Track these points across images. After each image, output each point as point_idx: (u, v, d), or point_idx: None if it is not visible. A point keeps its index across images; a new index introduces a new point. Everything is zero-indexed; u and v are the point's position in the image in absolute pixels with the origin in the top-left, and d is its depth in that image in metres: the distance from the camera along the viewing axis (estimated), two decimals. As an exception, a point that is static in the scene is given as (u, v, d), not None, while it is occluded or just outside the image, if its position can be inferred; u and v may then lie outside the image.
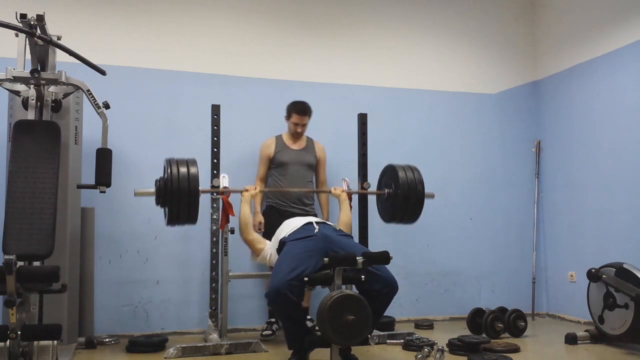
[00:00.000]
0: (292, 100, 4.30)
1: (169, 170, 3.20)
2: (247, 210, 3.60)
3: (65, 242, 3.54)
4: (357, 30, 4.93)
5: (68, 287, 3.04)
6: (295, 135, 4.29)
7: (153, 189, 3.25)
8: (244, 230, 3.56)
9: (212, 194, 3.74)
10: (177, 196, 3.16)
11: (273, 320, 4.18)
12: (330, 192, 3.88)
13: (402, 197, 3.63)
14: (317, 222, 3.44)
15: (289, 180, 4.22)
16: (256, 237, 3.60)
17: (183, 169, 3.20)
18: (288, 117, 4.27)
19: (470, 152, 5.11)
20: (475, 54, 5.23)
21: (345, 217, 3.74)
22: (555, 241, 5.03)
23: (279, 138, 4.33)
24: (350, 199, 4.04)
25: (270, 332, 4.11)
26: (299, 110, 4.23)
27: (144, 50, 4.39)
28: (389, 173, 3.80)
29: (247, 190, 3.68)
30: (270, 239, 3.62)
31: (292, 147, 4.29)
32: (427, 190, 3.69)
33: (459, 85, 5.15)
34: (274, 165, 4.27)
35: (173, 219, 3.26)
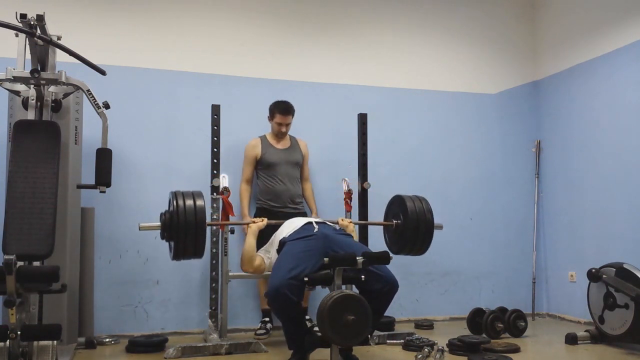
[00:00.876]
0: (274, 101, 4.29)
1: (174, 203, 3.12)
2: (253, 243, 3.50)
3: (65, 242, 3.53)
4: (358, 31, 4.93)
5: (68, 287, 3.04)
6: (280, 135, 4.30)
7: (158, 223, 3.17)
8: (246, 264, 3.49)
9: (212, 193, 3.74)
10: (184, 230, 3.07)
11: (267, 319, 4.19)
12: (337, 222, 3.71)
13: (412, 228, 3.61)
14: (317, 222, 3.45)
15: (279, 180, 4.23)
16: (257, 264, 3.49)
17: (189, 202, 3.12)
18: (271, 117, 4.28)
19: (470, 152, 5.11)
20: (475, 54, 5.23)
21: None
22: (555, 241, 5.02)
23: (263, 138, 4.33)
24: (350, 198, 4.05)
25: (264, 331, 4.12)
26: (282, 110, 4.23)
27: (144, 50, 4.39)
28: (397, 203, 3.77)
29: (254, 222, 3.60)
30: (264, 242, 3.62)
31: (278, 147, 4.30)
32: (436, 222, 3.68)
33: (459, 85, 5.15)
34: (262, 167, 4.28)
35: (179, 254, 3.16)
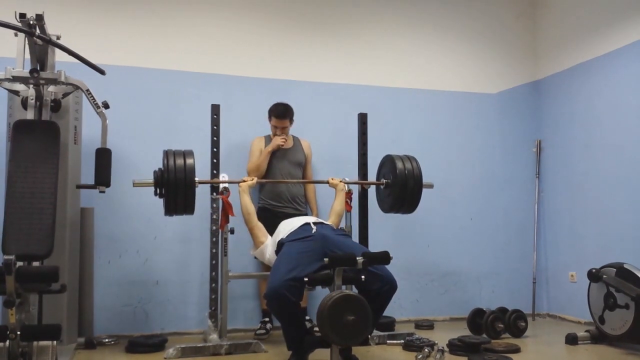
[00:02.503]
0: (274, 102, 4.29)
1: (166, 162, 3.30)
2: (247, 199, 3.63)
3: (65, 242, 3.53)
4: (358, 30, 4.93)
5: (68, 287, 3.04)
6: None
7: (151, 180, 3.32)
8: (247, 219, 3.60)
9: (211, 193, 3.73)
10: (174, 186, 3.26)
11: (267, 319, 4.19)
12: (327, 182, 3.89)
13: (400, 186, 3.71)
14: (314, 223, 3.44)
15: (280, 179, 4.23)
16: (260, 227, 3.60)
17: (180, 161, 3.31)
18: (269, 119, 4.28)
19: (470, 152, 5.10)
20: (475, 54, 5.23)
21: (338, 206, 3.79)
22: (555, 241, 5.02)
23: (267, 138, 4.34)
24: (350, 198, 4.04)
25: (264, 331, 4.12)
26: (277, 114, 4.22)
27: (144, 50, 4.38)
28: (387, 164, 3.87)
29: (244, 181, 3.71)
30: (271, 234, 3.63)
31: (281, 147, 4.30)
32: (425, 180, 3.77)
33: (459, 85, 5.15)
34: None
35: (170, 209, 3.35)
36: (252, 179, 3.74)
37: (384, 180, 3.88)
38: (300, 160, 4.36)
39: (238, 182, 3.72)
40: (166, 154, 3.36)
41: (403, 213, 3.90)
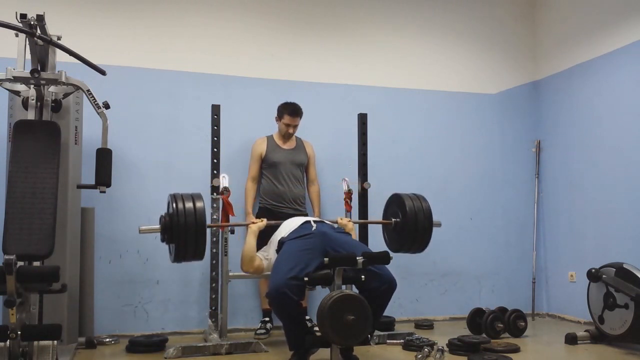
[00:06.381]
0: (283, 102, 4.31)
1: (173, 206, 3.11)
2: (253, 243, 3.52)
3: (65, 242, 3.54)
4: (358, 31, 4.93)
5: (68, 287, 3.04)
6: (286, 136, 4.32)
7: (158, 226, 3.16)
8: (246, 264, 3.50)
9: (212, 193, 3.74)
10: (184, 233, 3.06)
11: (267, 319, 4.20)
12: (336, 222, 3.72)
13: (410, 226, 3.62)
14: (314, 221, 3.45)
15: (282, 180, 4.24)
16: (256, 264, 3.51)
17: (189, 204, 3.10)
18: (279, 118, 4.29)
19: (470, 152, 5.11)
20: (475, 54, 5.23)
21: None
22: (555, 241, 5.02)
23: (270, 138, 4.35)
24: (350, 199, 4.05)
25: (264, 331, 4.12)
26: (291, 111, 4.25)
27: (144, 50, 4.39)
28: (396, 202, 3.78)
29: (254, 223, 3.62)
30: (266, 242, 3.63)
31: (283, 147, 4.31)
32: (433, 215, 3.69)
33: (459, 85, 5.15)
34: (266, 166, 4.29)
35: (180, 256, 3.15)
36: (262, 221, 3.64)
37: (393, 220, 3.75)
38: (302, 161, 4.36)
39: (247, 225, 3.67)
40: (173, 197, 3.16)
41: (412, 253, 3.81)
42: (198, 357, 3.47)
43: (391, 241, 3.86)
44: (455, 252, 4.94)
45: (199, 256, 3.18)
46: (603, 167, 4.52)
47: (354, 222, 3.82)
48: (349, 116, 4.41)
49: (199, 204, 3.12)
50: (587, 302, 3.93)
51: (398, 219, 3.73)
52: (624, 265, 3.68)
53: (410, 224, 3.63)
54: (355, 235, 3.74)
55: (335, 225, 3.58)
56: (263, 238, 3.65)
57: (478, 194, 5.08)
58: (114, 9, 4.36)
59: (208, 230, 3.35)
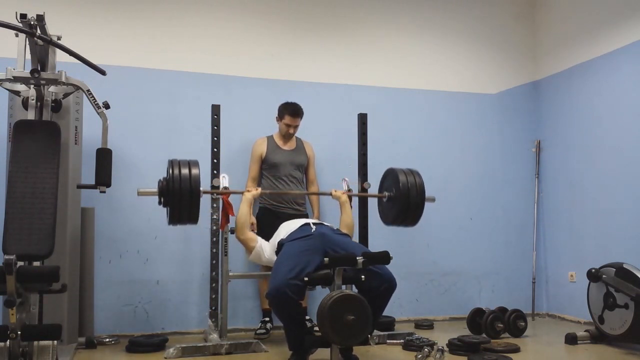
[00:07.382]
0: (284, 102, 4.31)
1: (171, 171, 3.22)
2: (246, 210, 3.61)
3: (65, 242, 3.54)
4: (358, 31, 4.93)
5: (68, 287, 3.04)
6: (287, 136, 4.32)
7: (156, 189, 3.26)
8: (239, 230, 3.58)
9: (212, 194, 3.74)
10: (179, 196, 3.19)
11: (267, 319, 4.20)
12: (331, 194, 3.86)
13: (403, 200, 3.65)
14: (314, 223, 3.47)
15: (282, 180, 4.24)
16: (249, 235, 3.61)
17: (185, 170, 3.23)
18: (280, 118, 4.29)
19: (470, 152, 5.11)
20: (475, 54, 5.23)
21: (347, 219, 3.74)
22: (555, 241, 5.02)
23: (270, 138, 4.35)
24: (350, 200, 4.05)
25: (264, 331, 4.13)
26: (292, 111, 4.25)
27: (144, 50, 4.39)
28: (390, 176, 3.82)
29: (249, 191, 3.71)
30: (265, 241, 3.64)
31: (283, 148, 4.32)
32: (427, 194, 3.71)
33: (459, 85, 5.15)
34: (266, 166, 4.29)
35: (175, 219, 3.28)
36: (257, 189, 3.78)
37: (387, 194, 3.81)
38: (302, 162, 4.36)
39: (242, 192, 3.74)
40: (171, 163, 3.29)
41: (405, 226, 3.84)
42: (198, 357, 3.47)
43: (384, 214, 3.92)
44: (455, 252, 4.95)
45: (193, 220, 3.31)
46: (603, 167, 4.53)
47: (348, 195, 3.86)
48: (349, 116, 4.41)
49: (194, 171, 3.25)
50: (587, 302, 3.93)
51: (391, 193, 3.78)
52: (624, 265, 3.68)
53: (403, 197, 3.67)
54: (349, 209, 3.78)
55: (334, 227, 3.58)
56: (267, 236, 3.66)
57: (478, 194, 5.08)
58: (114, 9, 4.36)
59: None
